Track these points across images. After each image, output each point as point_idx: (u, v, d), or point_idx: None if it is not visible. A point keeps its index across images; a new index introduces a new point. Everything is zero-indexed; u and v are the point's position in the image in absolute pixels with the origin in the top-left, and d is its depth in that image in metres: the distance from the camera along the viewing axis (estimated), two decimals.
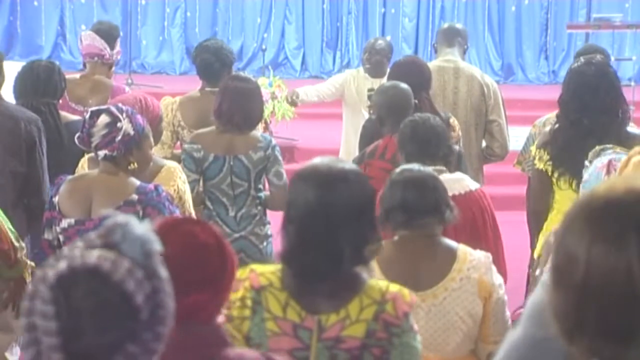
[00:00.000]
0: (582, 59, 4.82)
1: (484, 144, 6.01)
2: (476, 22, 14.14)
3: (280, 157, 5.13)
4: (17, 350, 4.72)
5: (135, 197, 3.82)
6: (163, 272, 1.73)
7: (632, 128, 4.65)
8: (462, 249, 3.38)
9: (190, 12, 14.11)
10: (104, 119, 3.84)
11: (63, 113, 5.36)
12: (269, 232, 5.15)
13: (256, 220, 5.10)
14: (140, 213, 3.76)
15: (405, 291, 2.76)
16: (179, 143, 5.71)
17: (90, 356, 1.68)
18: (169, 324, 1.73)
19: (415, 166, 3.58)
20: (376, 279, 2.81)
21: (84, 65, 6.26)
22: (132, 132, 3.85)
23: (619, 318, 1.52)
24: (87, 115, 3.87)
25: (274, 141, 5.19)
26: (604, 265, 1.52)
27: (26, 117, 4.77)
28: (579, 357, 1.58)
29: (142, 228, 1.73)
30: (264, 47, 12.32)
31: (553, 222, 4.40)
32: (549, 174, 4.56)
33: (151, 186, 3.88)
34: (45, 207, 4.65)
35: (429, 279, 3.31)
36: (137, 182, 3.87)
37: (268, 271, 2.75)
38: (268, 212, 5.21)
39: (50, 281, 1.67)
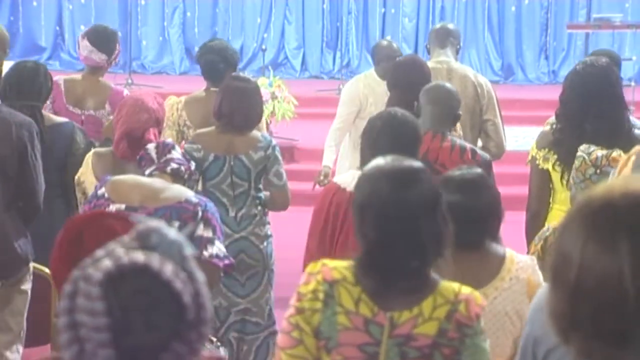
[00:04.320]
0: (588, 60, 4.79)
1: (480, 143, 5.98)
2: (476, 22, 14.15)
3: (280, 157, 5.13)
4: (19, 348, 4.73)
5: (195, 199, 3.89)
6: (200, 275, 1.75)
7: (638, 130, 4.65)
8: (509, 251, 3.36)
9: (190, 12, 14.11)
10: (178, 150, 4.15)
11: (48, 115, 5.26)
12: (269, 232, 5.15)
13: (256, 221, 5.09)
14: (200, 214, 3.83)
15: (477, 294, 2.78)
16: (183, 142, 5.70)
17: (138, 353, 1.70)
18: (210, 325, 1.75)
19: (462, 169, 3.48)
20: (448, 280, 2.81)
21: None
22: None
23: (610, 320, 1.52)
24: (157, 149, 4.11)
25: (274, 141, 5.18)
26: (596, 267, 1.52)
27: (18, 122, 4.66)
28: (574, 357, 1.59)
29: (175, 233, 1.76)
30: (264, 47, 12.33)
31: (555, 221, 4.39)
32: (559, 174, 4.56)
33: (205, 198, 4.05)
34: (38, 210, 4.66)
35: (480, 279, 3.26)
36: (192, 192, 4.02)
37: (341, 266, 2.75)
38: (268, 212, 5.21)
39: (97, 278, 1.68)
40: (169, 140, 4.29)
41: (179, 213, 3.82)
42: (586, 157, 4.23)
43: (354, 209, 2.77)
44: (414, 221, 2.68)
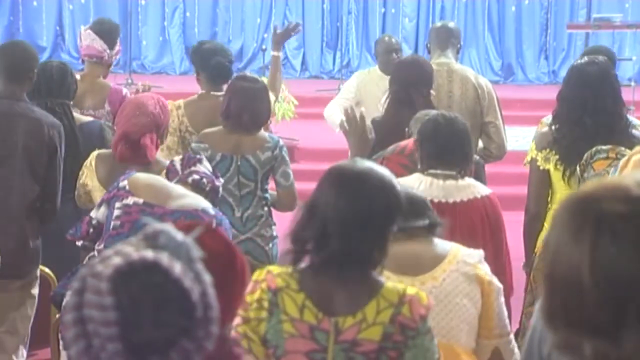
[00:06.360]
0: (585, 58, 4.83)
1: (480, 144, 5.97)
2: (476, 22, 14.16)
3: (287, 158, 5.13)
4: (24, 352, 4.73)
5: (212, 211, 3.91)
6: (207, 277, 1.76)
7: (636, 130, 4.67)
8: (455, 244, 3.37)
9: (190, 12, 14.12)
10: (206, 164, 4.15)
11: (76, 115, 5.33)
12: (274, 234, 5.12)
13: (262, 222, 5.08)
14: (214, 225, 3.85)
15: (422, 294, 2.76)
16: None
17: (146, 349, 1.70)
18: (217, 324, 1.76)
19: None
20: (393, 282, 2.81)
21: (83, 60, 6.24)
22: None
23: (573, 311, 1.53)
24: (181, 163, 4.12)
25: (281, 142, 5.18)
26: (564, 257, 1.54)
27: (49, 122, 4.75)
28: (551, 348, 1.61)
29: (182, 235, 1.77)
30: (264, 47, 12.32)
31: None
32: (560, 173, 4.57)
33: (221, 213, 4.05)
34: (55, 212, 4.69)
35: (427, 263, 3.28)
36: (211, 205, 4.04)
37: (285, 272, 2.75)
38: (274, 213, 5.19)
39: (107, 274, 1.69)
40: (199, 156, 4.29)
41: (194, 220, 3.83)
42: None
43: (306, 204, 2.74)
44: (357, 230, 2.65)
